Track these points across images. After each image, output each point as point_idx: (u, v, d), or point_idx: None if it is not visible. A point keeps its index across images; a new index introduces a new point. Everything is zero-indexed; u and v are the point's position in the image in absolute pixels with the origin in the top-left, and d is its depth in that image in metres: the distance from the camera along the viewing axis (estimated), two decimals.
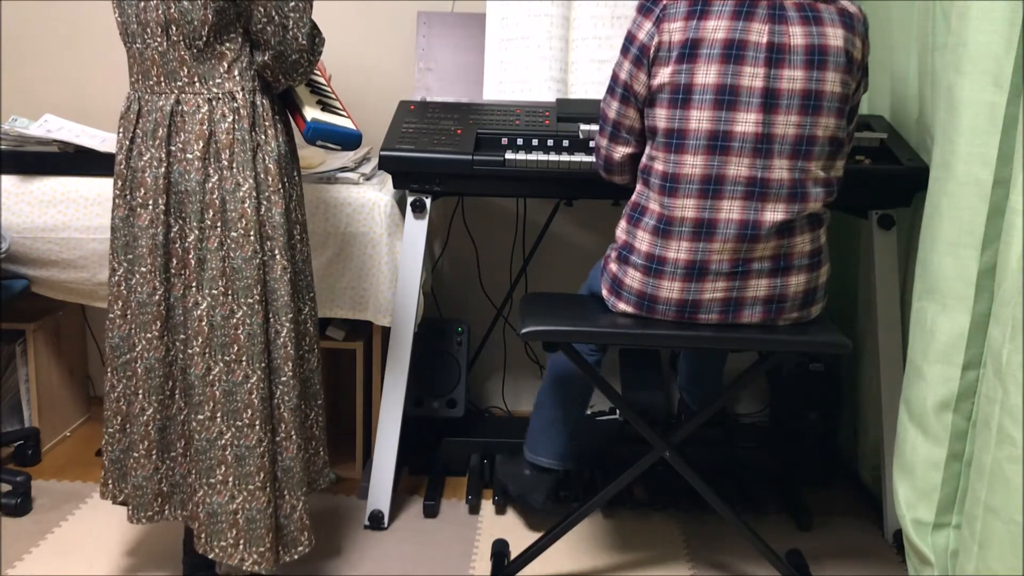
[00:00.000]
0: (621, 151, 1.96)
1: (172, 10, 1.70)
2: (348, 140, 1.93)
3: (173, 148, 1.76)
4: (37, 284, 2.43)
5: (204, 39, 1.71)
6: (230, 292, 1.78)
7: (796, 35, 1.76)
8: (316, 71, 2.11)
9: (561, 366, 2.21)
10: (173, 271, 1.80)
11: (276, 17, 1.71)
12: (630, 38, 1.86)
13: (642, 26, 1.83)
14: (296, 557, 1.88)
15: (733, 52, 1.76)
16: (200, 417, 1.81)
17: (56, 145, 2.39)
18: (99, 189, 2.35)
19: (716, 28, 1.76)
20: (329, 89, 2.09)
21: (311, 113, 1.89)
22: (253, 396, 1.80)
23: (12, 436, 2.61)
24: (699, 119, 1.78)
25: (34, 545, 2.22)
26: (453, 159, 2.19)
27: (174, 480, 1.89)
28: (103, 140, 2.41)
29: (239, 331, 1.78)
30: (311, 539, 1.90)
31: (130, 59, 1.81)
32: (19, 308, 2.64)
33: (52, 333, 2.74)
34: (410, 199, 2.25)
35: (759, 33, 1.76)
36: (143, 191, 1.78)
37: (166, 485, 1.88)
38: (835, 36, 1.77)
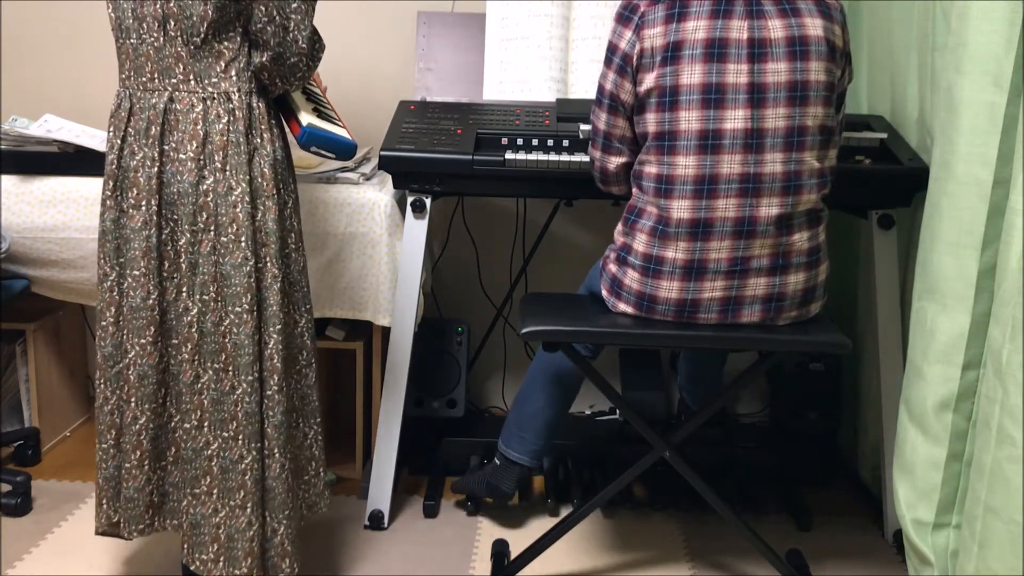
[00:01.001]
0: (615, 161, 1.97)
1: (171, 4, 1.67)
2: (342, 148, 1.92)
3: (166, 147, 1.72)
4: (37, 284, 2.43)
5: (202, 36, 1.69)
6: (220, 298, 1.74)
7: (776, 28, 1.77)
8: (312, 82, 2.09)
9: (551, 364, 2.20)
10: (166, 274, 1.76)
11: (277, 17, 1.69)
12: (612, 48, 1.87)
13: (623, 35, 1.84)
14: None
15: (715, 51, 1.77)
16: (187, 425, 1.78)
17: (56, 145, 2.39)
18: (99, 189, 2.35)
19: (696, 28, 1.78)
20: (325, 100, 2.08)
21: (307, 118, 1.88)
22: (237, 408, 1.76)
23: (12, 436, 2.61)
24: (688, 120, 1.79)
25: (34, 545, 2.22)
26: (453, 159, 2.19)
27: (164, 489, 1.84)
28: (103, 140, 2.40)
29: (226, 339, 1.75)
30: (294, 567, 1.84)
31: (121, 55, 1.77)
32: (19, 308, 2.64)
33: (52, 333, 2.74)
34: (410, 199, 2.25)
35: (739, 30, 1.77)
36: (135, 192, 1.74)
37: (157, 495, 1.84)
38: (814, 26, 1.78)
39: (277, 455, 1.80)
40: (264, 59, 1.73)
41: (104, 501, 1.87)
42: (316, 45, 1.78)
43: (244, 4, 1.69)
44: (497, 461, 2.30)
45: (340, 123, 2.01)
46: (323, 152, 1.90)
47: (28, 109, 2.89)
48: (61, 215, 2.35)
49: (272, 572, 1.82)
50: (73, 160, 2.38)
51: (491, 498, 2.35)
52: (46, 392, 2.72)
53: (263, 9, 1.68)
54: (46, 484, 2.52)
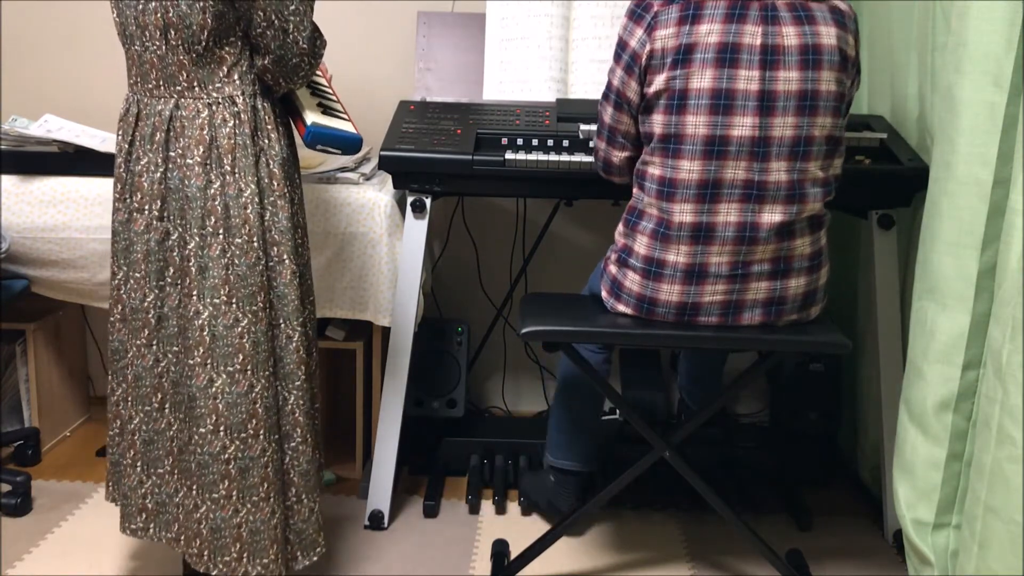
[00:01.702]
0: (618, 155, 1.96)
1: (171, 14, 1.67)
2: (348, 144, 1.92)
3: (172, 153, 1.73)
4: (37, 284, 2.43)
5: (203, 43, 1.69)
6: (234, 300, 1.75)
7: (790, 35, 1.76)
8: (317, 72, 2.09)
9: (571, 368, 2.21)
10: (169, 279, 1.76)
11: (276, 21, 1.69)
12: (622, 44, 1.85)
13: (633, 33, 1.82)
14: (315, 559, 1.89)
15: (727, 56, 1.75)
16: (202, 431, 1.77)
17: (56, 145, 2.39)
18: (99, 189, 2.35)
19: (709, 32, 1.76)
20: (330, 91, 2.08)
21: (311, 117, 1.88)
22: (258, 406, 1.77)
23: (12, 436, 2.61)
24: (695, 124, 1.77)
25: (34, 545, 2.22)
26: (453, 159, 2.19)
27: (160, 499, 1.85)
28: (103, 140, 2.41)
29: (244, 340, 1.75)
30: (324, 539, 1.92)
31: (128, 60, 1.79)
32: (19, 308, 2.64)
33: (52, 333, 2.74)
34: (410, 199, 2.25)
35: (752, 35, 1.75)
36: (139, 196, 1.76)
37: (151, 502, 1.85)
38: (828, 35, 1.77)
39: (310, 440, 1.86)
40: (266, 62, 1.73)
41: (110, 484, 1.94)
42: (317, 43, 1.78)
43: (242, 10, 1.68)
44: (552, 478, 2.31)
45: (345, 116, 2.00)
46: (329, 149, 1.90)
47: (28, 109, 2.89)
48: (61, 215, 2.35)
49: (310, 549, 1.89)
50: (73, 160, 2.38)
51: (551, 514, 2.39)
52: (46, 392, 2.72)
53: (261, 14, 1.68)
54: (46, 484, 2.52)
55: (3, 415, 2.68)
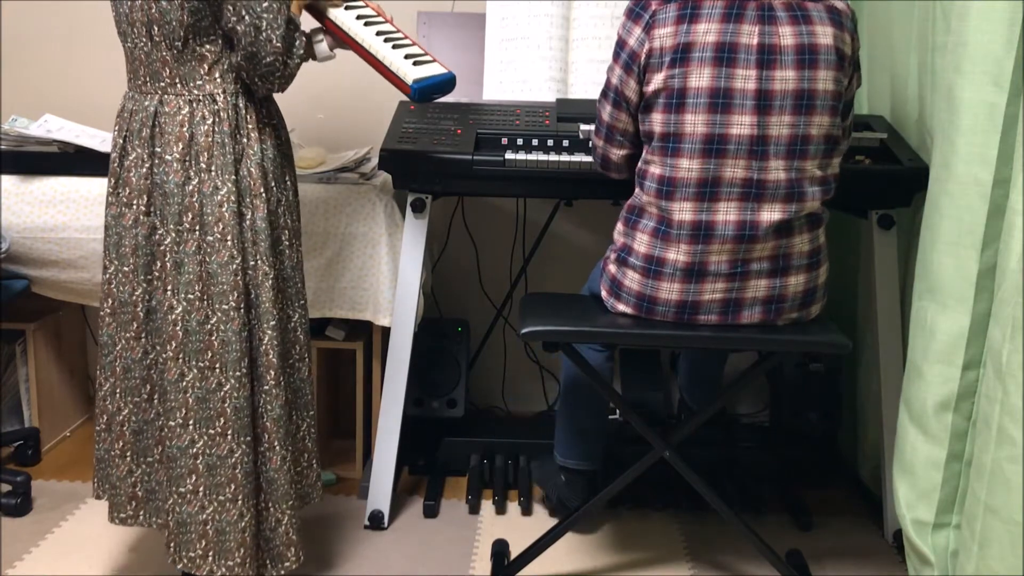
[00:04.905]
0: (616, 152, 1.97)
1: (153, 10, 1.70)
2: (449, 86, 1.93)
3: (156, 149, 1.76)
4: (37, 284, 2.43)
5: (182, 40, 1.71)
6: (206, 297, 1.76)
7: (786, 35, 1.76)
8: (378, 16, 2.01)
9: (573, 368, 2.21)
10: (156, 273, 1.79)
11: (247, 16, 1.67)
12: (621, 43, 1.86)
13: (632, 32, 1.83)
14: (283, 573, 1.87)
15: (725, 55, 1.76)
16: (172, 423, 1.79)
17: (56, 145, 2.39)
18: (99, 189, 2.35)
19: (707, 31, 1.76)
20: (404, 35, 2.01)
21: (411, 74, 1.86)
22: (225, 405, 1.78)
23: (12, 436, 2.61)
24: (694, 123, 1.78)
25: (34, 545, 2.22)
26: (453, 159, 2.19)
27: (150, 486, 1.87)
28: (103, 140, 2.41)
29: (213, 337, 1.76)
30: (299, 555, 1.88)
31: (125, 57, 1.82)
32: (19, 308, 2.64)
33: (52, 333, 2.74)
34: (410, 199, 2.25)
35: (749, 35, 1.76)
36: (128, 191, 1.79)
37: (141, 490, 1.87)
38: (824, 34, 1.78)
39: (278, 448, 1.83)
40: (239, 58, 1.72)
41: (96, 480, 1.93)
42: (295, 44, 1.74)
43: (215, 5, 1.68)
44: (563, 477, 2.32)
45: (429, 57, 1.98)
46: (434, 96, 1.94)
47: (28, 109, 2.89)
48: (61, 215, 2.35)
49: (278, 561, 1.86)
50: (73, 160, 2.39)
51: (560, 511, 2.40)
52: (46, 392, 2.72)
53: (231, 8, 1.67)
54: (46, 484, 2.52)
55: (3, 415, 2.68)
